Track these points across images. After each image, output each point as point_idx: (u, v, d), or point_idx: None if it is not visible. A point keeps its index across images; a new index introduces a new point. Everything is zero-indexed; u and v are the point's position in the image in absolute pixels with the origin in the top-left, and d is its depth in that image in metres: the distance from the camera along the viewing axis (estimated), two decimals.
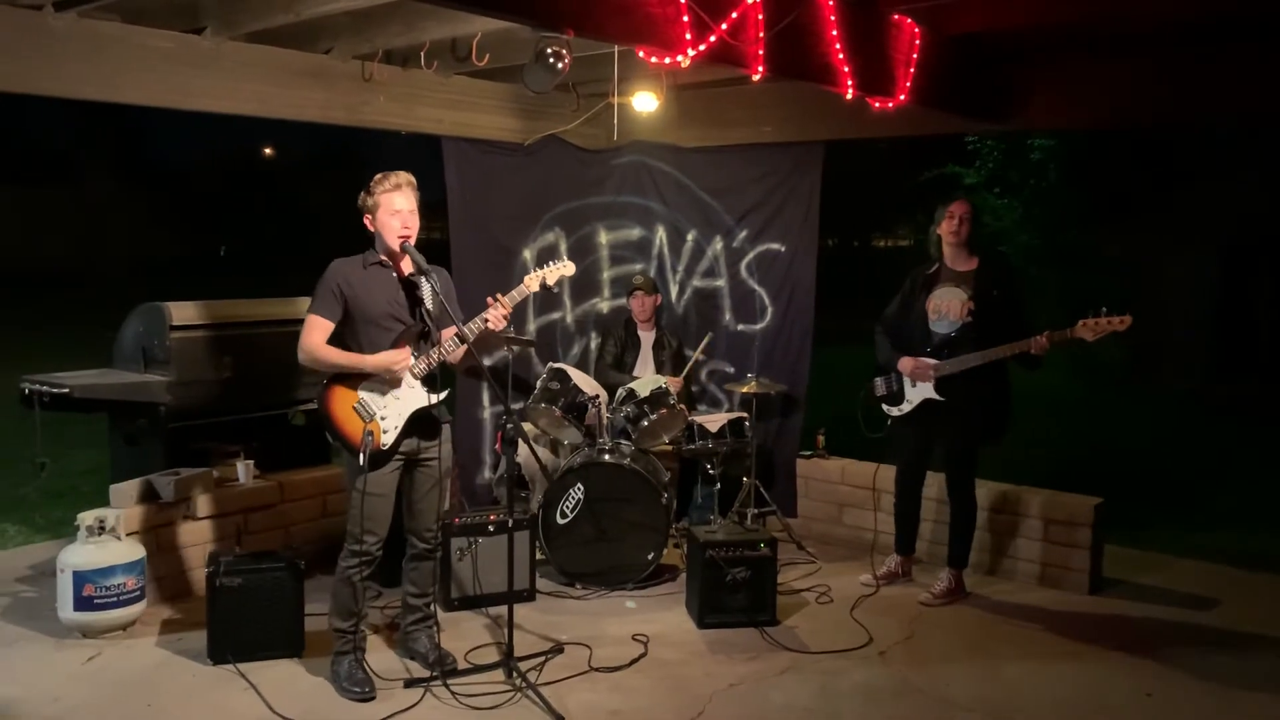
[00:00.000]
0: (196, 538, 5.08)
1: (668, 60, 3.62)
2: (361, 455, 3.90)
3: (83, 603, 4.49)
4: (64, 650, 4.44)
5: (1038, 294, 12.17)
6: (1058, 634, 4.76)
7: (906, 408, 5.17)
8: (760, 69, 3.84)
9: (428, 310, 4.06)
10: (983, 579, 5.44)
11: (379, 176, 4.00)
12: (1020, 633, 4.79)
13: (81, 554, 4.53)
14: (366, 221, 4.03)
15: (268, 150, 35.34)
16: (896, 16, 4.52)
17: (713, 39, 3.61)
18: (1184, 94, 5.06)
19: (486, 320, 4.04)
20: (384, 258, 4.05)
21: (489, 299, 4.08)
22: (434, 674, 4.12)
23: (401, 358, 3.99)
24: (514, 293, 4.13)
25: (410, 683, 4.08)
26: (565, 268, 4.28)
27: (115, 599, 4.54)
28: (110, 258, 25.97)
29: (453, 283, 4.28)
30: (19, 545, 6.01)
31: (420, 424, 4.08)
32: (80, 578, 4.48)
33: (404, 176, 4.02)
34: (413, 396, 4.05)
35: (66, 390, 5.06)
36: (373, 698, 3.98)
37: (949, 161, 14.16)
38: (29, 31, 4.18)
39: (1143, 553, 5.83)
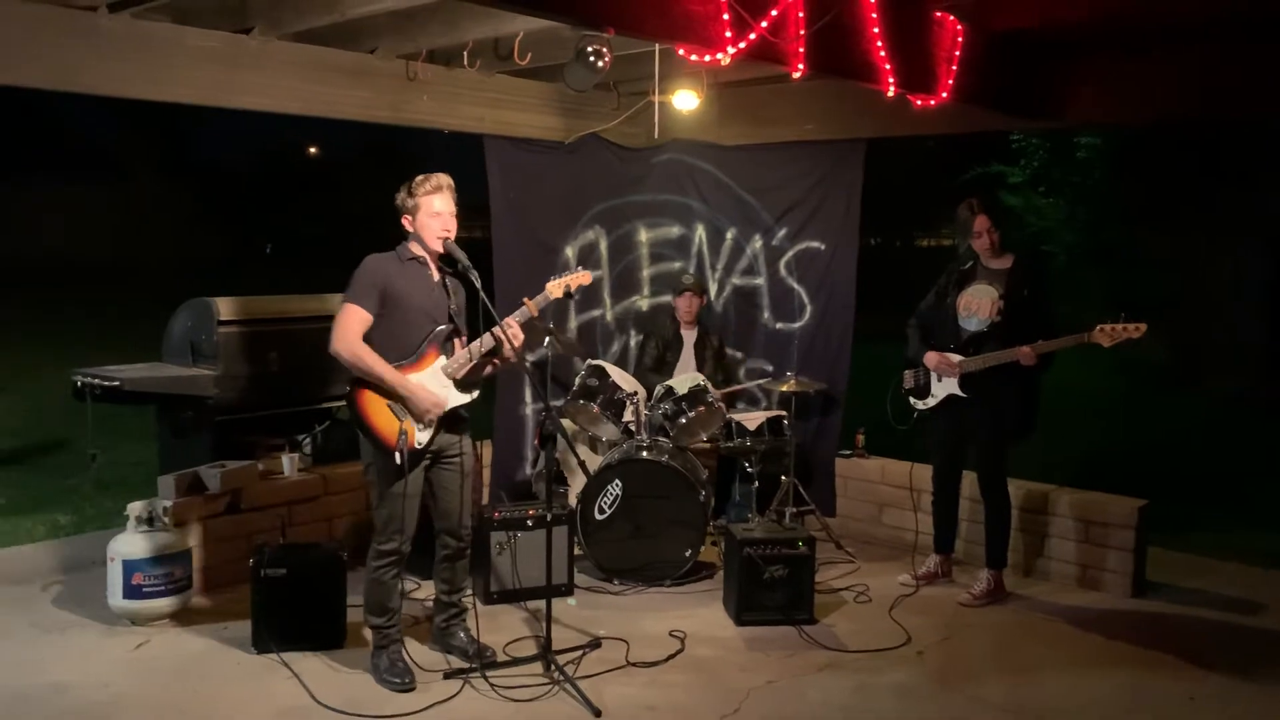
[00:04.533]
0: (242, 529, 5.17)
1: (708, 58, 3.63)
2: (399, 455, 3.92)
3: (132, 590, 4.59)
4: (114, 637, 4.55)
5: (1082, 293, 12.02)
6: (1098, 636, 4.71)
7: (931, 402, 5.18)
8: (800, 67, 3.84)
9: (455, 312, 4.10)
10: (1020, 580, 5.39)
11: (420, 178, 4.04)
12: (1060, 634, 4.75)
13: (131, 543, 4.63)
14: (405, 222, 4.08)
15: (312, 149, 35.78)
16: (939, 14, 4.50)
17: (753, 37, 3.61)
18: (1234, 89, 4.98)
19: (510, 325, 4.07)
20: (421, 254, 4.09)
21: (523, 299, 4.13)
22: (473, 666, 4.17)
23: (435, 413, 4.00)
24: (539, 298, 4.18)
25: (450, 674, 4.14)
26: (584, 276, 4.30)
27: (163, 587, 4.63)
28: (158, 254, 26.42)
29: (494, 281, 4.33)
30: (70, 534, 6.15)
31: (449, 421, 4.12)
32: (130, 566, 4.58)
33: (444, 179, 4.06)
34: (448, 397, 4.09)
35: (117, 383, 5.18)
36: (413, 688, 4.03)
37: (993, 160, 14.02)
38: (83, 32, 4.28)
39: (1187, 555, 5.75)
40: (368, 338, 3.96)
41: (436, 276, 4.12)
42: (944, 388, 5.12)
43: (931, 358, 5.11)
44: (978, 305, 5.04)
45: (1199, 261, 12.10)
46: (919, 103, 4.63)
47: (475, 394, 4.18)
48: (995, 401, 4.96)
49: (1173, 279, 11.84)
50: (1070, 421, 8.74)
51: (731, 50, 3.58)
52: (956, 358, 5.02)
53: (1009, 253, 5.08)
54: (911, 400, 5.27)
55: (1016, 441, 5.11)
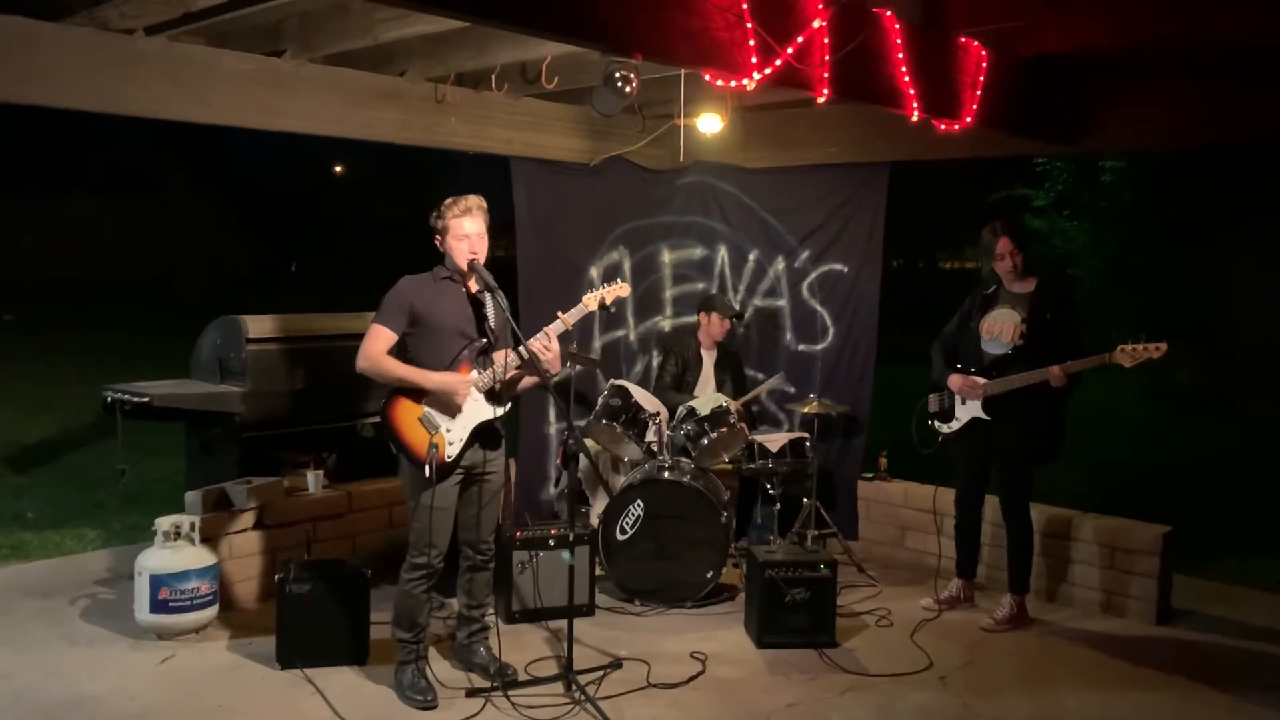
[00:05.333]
0: (267, 545, 5.22)
1: (734, 84, 3.67)
2: (428, 468, 3.98)
3: (158, 605, 4.64)
4: (140, 651, 4.60)
5: (1110, 316, 11.96)
6: (1123, 662, 4.68)
7: (956, 425, 5.18)
8: (825, 92, 3.87)
9: (491, 327, 4.15)
10: (1043, 605, 5.36)
11: (450, 201, 4.11)
12: (1084, 661, 4.72)
13: (158, 558, 4.68)
14: (437, 242, 4.15)
15: (338, 168, 36.10)
16: (963, 39, 4.52)
17: (778, 63, 3.64)
18: (1265, 116, 4.96)
19: (548, 335, 4.12)
20: (453, 274, 4.15)
21: (558, 313, 4.18)
22: (495, 685, 4.19)
23: (463, 388, 4.07)
24: (574, 310, 4.23)
25: (472, 693, 4.16)
26: (622, 289, 4.37)
27: (189, 602, 4.68)
28: (189, 269, 26.69)
29: (519, 299, 4.38)
30: (97, 548, 6.22)
31: (483, 436, 4.16)
32: (157, 581, 4.63)
33: (474, 201, 4.12)
34: (477, 409, 4.13)
35: (147, 399, 5.24)
36: (435, 706, 4.05)
37: (1017, 183, 14.00)
38: (123, 55, 4.37)
39: (1214, 583, 5.69)
40: (403, 356, 4.06)
41: (469, 293, 4.17)
42: (968, 411, 5.12)
43: (955, 380, 5.12)
44: (1000, 329, 5.04)
45: (1230, 284, 12.00)
46: (943, 127, 4.65)
47: (506, 407, 4.22)
48: (1019, 424, 4.95)
49: (1203, 302, 11.75)
50: (1099, 445, 8.69)
51: (757, 76, 3.61)
52: (981, 380, 5.02)
53: (1032, 276, 5.09)
54: (936, 424, 5.27)
55: (1041, 465, 5.09)
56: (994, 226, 5.14)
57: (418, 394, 4.08)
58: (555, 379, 5.24)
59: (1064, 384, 4.79)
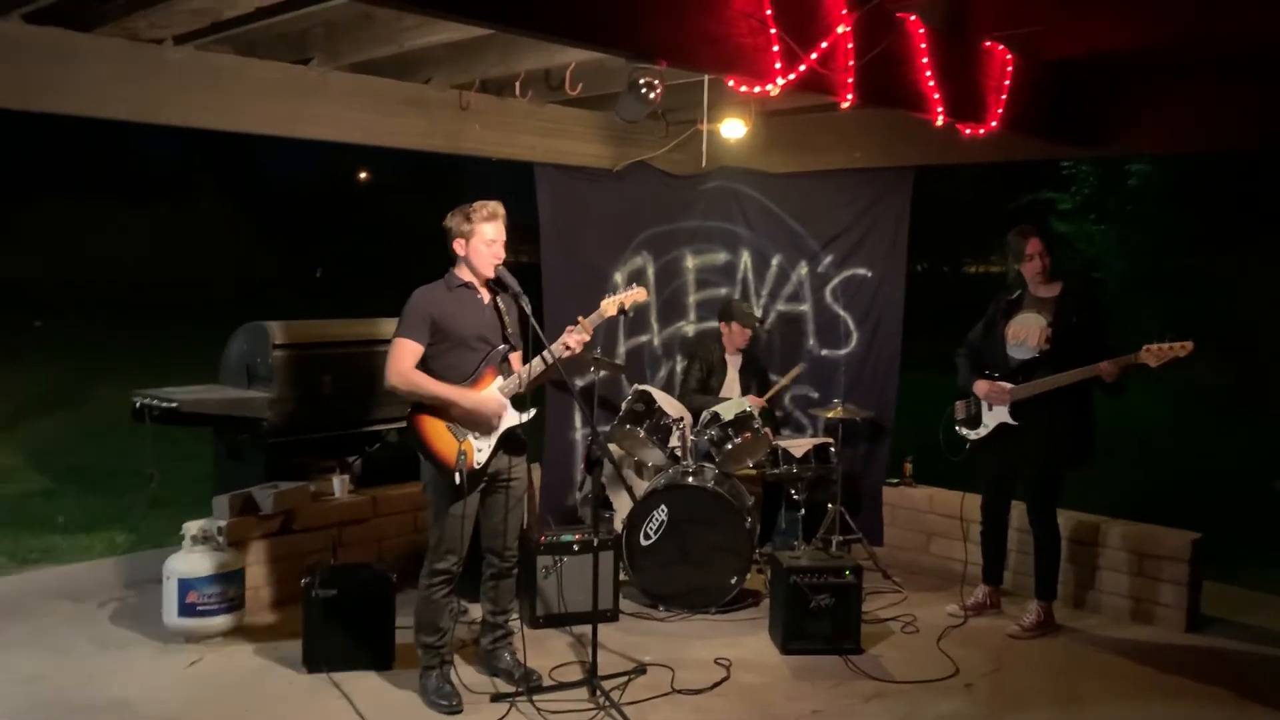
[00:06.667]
0: (293, 549, 5.25)
1: (758, 89, 3.67)
2: (458, 475, 3.98)
3: (186, 609, 4.68)
4: (168, 654, 4.64)
5: (1137, 321, 11.85)
6: (1153, 670, 4.63)
7: (983, 431, 5.14)
8: (849, 97, 3.86)
9: (512, 333, 4.17)
10: (1071, 612, 5.31)
11: (476, 205, 4.11)
12: (1112, 668, 4.68)
13: (186, 562, 4.72)
14: (457, 246, 4.13)
15: (363, 174, 36.37)
16: (988, 44, 4.50)
17: (802, 68, 3.64)
18: None
19: (568, 346, 4.13)
20: (470, 280, 4.17)
21: (578, 316, 4.19)
22: (519, 690, 4.19)
23: (499, 411, 4.07)
24: (593, 315, 4.23)
25: (496, 697, 4.17)
26: (639, 293, 4.36)
27: (217, 606, 4.72)
28: (218, 275, 26.96)
29: (543, 305, 4.39)
30: (126, 553, 6.29)
31: (507, 443, 4.18)
32: (185, 584, 4.67)
33: (498, 207, 4.14)
34: (504, 416, 4.14)
35: (175, 405, 5.30)
36: (460, 711, 4.07)
37: (1042, 187, 13.92)
38: (151, 64, 4.43)
39: (1246, 591, 5.62)
40: (426, 367, 4.04)
41: (487, 299, 4.19)
42: (995, 416, 5.09)
43: (981, 386, 5.09)
44: (1026, 333, 5.02)
45: (1257, 288, 11.87)
46: (968, 132, 4.63)
47: (531, 413, 4.23)
48: (1046, 430, 4.91)
49: (1230, 306, 11.62)
50: (1126, 450, 8.61)
51: (781, 81, 3.61)
52: (1007, 385, 4.99)
53: (1058, 280, 5.06)
54: (963, 430, 5.24)
55: (1071, 470, 5.05)
56: (1023, 228, 5.11)
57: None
58: (581, 385, 5.26)
59: (1116, 377, 4.71)
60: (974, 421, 5.19)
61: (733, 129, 6.10)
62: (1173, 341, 4.58)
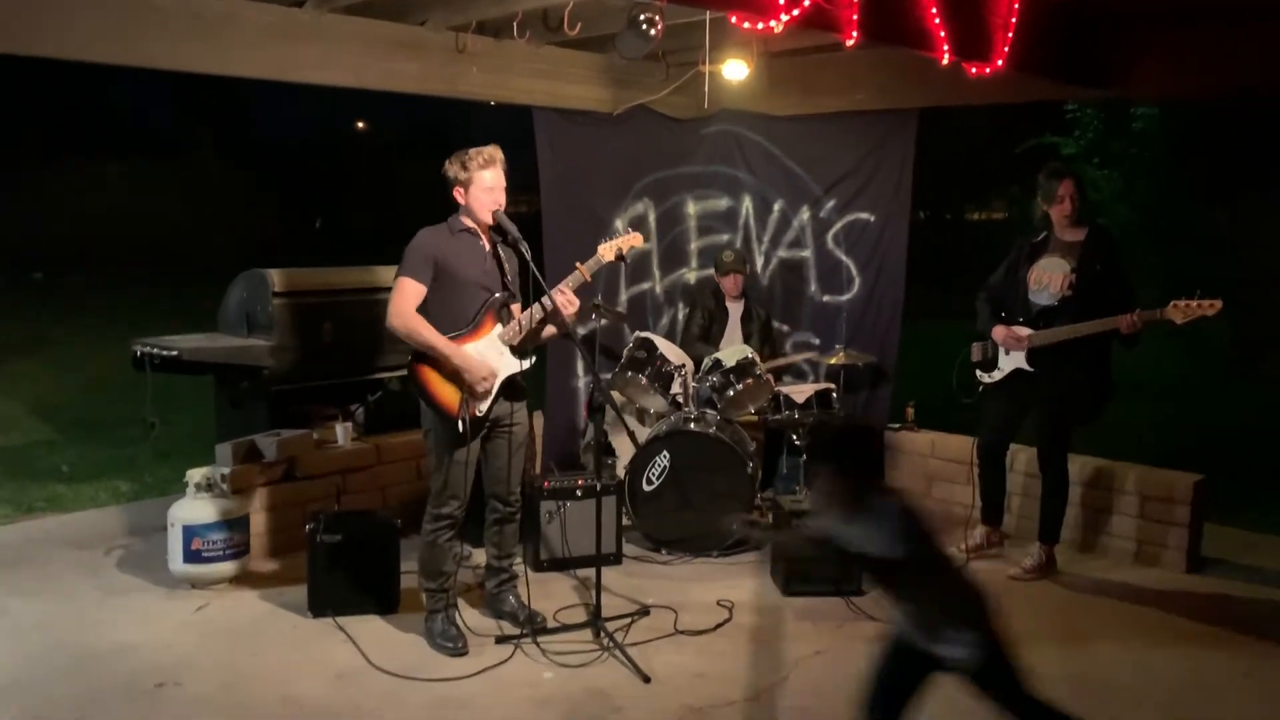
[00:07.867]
0: (297, 496, 5.27)
1: (761, 26, 3.60)
2: (461, 424, 3.98)
3: (191, 555, 4.71)
4: (174, 600, 4.67)
5: (1136, 270, 11.76)
6: (1152, 612, 4.66)
7: (998, 375, 5.11)
8: (854, 34, 3.79)
9: (511, 280, 4.14)
10: (1075, 555, 5.34)
11: (473, 151, 4.06)
12: (1113, 610, 4.71)
13: (191, 509, 4.74)
14: (457, 194, 4.11)
15: (360, 124, 36.00)
16: None
17: (806, 3, 3.57)
18: None
19: (565, 299, 4.10)
20: (472, 226, 4.13)
21: (576, 264, 4.16)
22: (524, 631, 4.23)
23: (488, 382, 4.04)
24: (591, 261, 4.21)
25: (501, 639, 4.20)
26: (635, 238, 4.34)
27: (222, 552, 4.75)
28: (214, 229, 26.81)
29: (544, 252, 4.35)
30: (130, 501, 6.31)
31: (507, 389, 4.17)
32: (189, 532, 4.70)
33: (497, 152, 4.09)
34: (505, 363, 4.13)
35: (175, 353, 5.29)
36: (465, 653, 4.10)
37: (1045, 131, 13.73)
38: (139, 7, 4.33)
39: (1244, 532, 5.66)
40: (425, 310, 4.02)
41: (488, 246, 4.16)
42: (1010, 361, 5.05)
43: (999, 331, 5.03)
44: (1049, 279, 4.95)
45: (1264, 240, 11.76)
46: (974, 71, 4.55)
47: (531, 360, 4.21)
48: (1061, 378, 4.86)
49: (1234, 257, 11.51)
50: (1131, 401, 8.60)
51: (785, 18, 3.54)
52: (1025, 331, 4.94)
53: (1083, 224, 4.98)
54: (978, 373, 5.21)
55: (1080, 423, 5.03)
56: (1055, 168, 5.02)
57: None
58: (583, 333, 5.24)
59: (1137, 329, 4.66)
60: (990, 365, 5.15)
61: (735, 70, 6.00)
62: (1201, 299, 4.52)
